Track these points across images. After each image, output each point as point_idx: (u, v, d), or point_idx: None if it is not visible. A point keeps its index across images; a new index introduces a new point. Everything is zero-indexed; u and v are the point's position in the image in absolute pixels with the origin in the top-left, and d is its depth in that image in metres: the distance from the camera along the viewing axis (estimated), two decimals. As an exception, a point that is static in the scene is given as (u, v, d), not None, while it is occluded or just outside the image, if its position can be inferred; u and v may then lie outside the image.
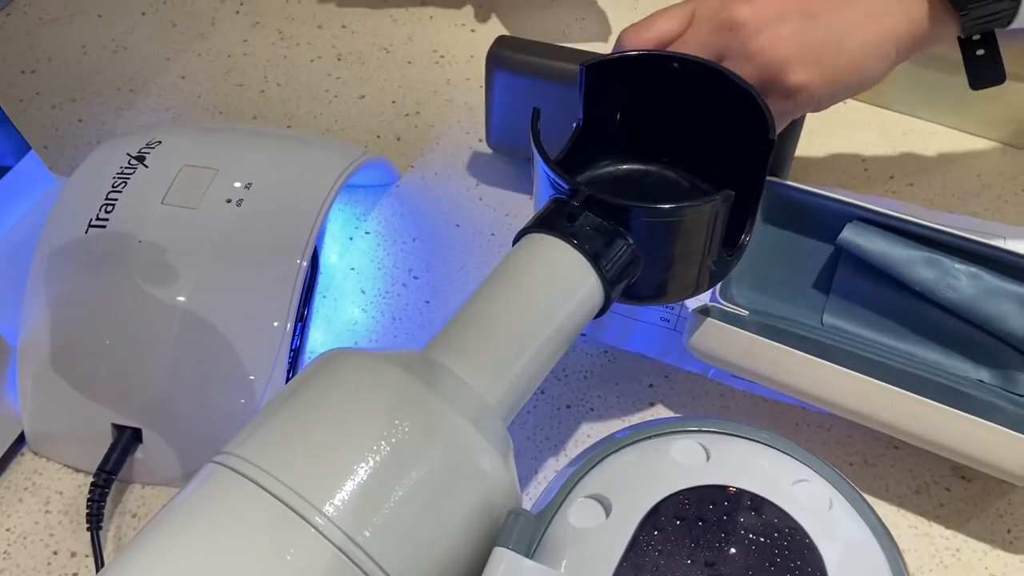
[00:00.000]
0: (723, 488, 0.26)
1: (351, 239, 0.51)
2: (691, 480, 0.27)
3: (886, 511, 0.40)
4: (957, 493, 0.40)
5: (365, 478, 0.25)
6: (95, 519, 0.38)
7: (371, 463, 0.25)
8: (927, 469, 0.41)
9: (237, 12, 0.65)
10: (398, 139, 0.57)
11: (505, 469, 0.28)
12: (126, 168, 0.43)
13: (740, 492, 0.26)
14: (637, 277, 0.36)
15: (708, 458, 0.28)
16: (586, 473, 0.29)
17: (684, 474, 0.27)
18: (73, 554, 0.40)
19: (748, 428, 0.30)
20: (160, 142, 0.45)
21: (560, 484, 0.29)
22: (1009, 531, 0.39)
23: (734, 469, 0.27)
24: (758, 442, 0.29)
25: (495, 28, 0.64)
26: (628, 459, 0.29)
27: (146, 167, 0.43)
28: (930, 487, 0.40)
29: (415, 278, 0.50)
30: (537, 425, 0.43)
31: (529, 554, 0.26)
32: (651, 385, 0.45)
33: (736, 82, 0.37)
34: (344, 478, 0.25)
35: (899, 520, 0.39)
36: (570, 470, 0.29)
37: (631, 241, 0.34)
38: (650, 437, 0.29)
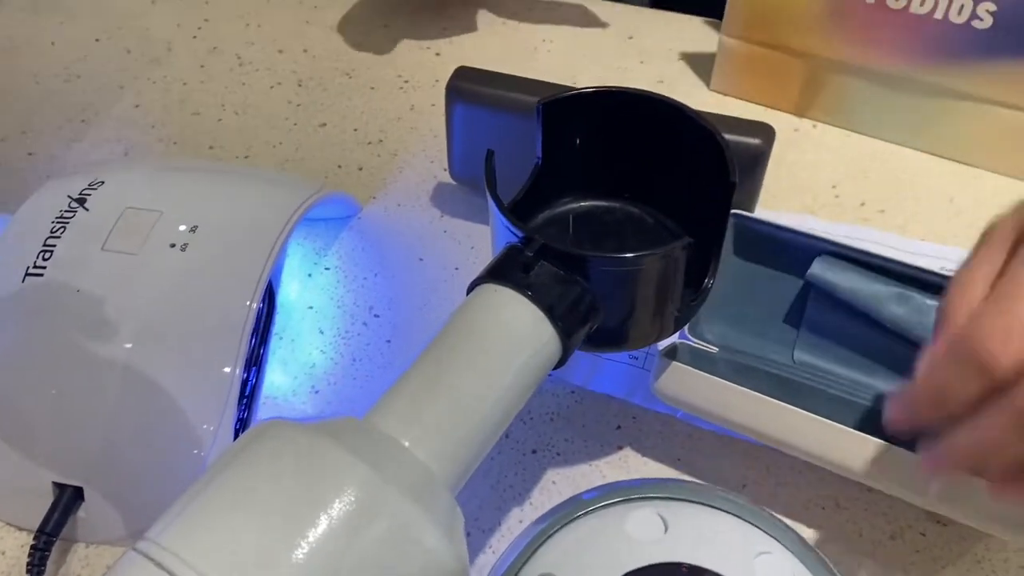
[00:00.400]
0: (679, 566, 0.25)
1: (310, 276, 0.50)
2: (646, 557, 0.25)
3: (860, 559, 0.38)
4: (932, 539, 0.39)
5: (295, 567, 0.23)
6: (34, 584, 0.37)
7: (302, 550, 0.24)
8: (902, 513, 0.40)
9: (194, 37, 0.64)
10: (360, 169, 0.55)
11: (451, 545, 0.26)
12: (66, 212, 0.41)
13: (698, 571, 0.25)
14: (597, 326, 0.34)
15: (666, 530, 0.26)
16: (539, 547, 0.27)
17: (639, 550, 0.25)
18: (14, 619, 0.38)
19: (711, 493, 0.28)
20: (103, 182, 0.43)
21: (511, 560, 0.27)
22: (987, 578, 0.38)
23: (692, 542, 0.26)
24: (719, 509, 0.27)
25: (460, 52, 0.63)
26: (581, 532, 0.27)
27: (87, 210, 0.41)
28: (905, 532, 0.39)
29: (376, 316, 0.48)
30: (502, 472, 0.42)
31: (476, 639, 0.24)
32: (619, 427, 0.43)
33: (696, 121, 0.36)
34: (276, 568, 0.23)
35: (875, 569, 0.38)
36: (522, 543, 0.28)
37: (589, 290, 0.33)
38: (605, 506, 0.28)
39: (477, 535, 0.39)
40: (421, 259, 0.50)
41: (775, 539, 0.27)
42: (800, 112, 0.57)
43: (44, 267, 0.40)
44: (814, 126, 0.56)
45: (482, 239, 0.51)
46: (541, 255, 0.32)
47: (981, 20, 0.48)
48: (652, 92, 0.37)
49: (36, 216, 0.42)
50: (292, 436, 0.26)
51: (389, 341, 0.47)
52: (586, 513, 0.28)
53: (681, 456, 0.42)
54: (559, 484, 0.41)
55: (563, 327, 0.32)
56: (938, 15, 0.48)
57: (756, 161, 0.45)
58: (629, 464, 0.42)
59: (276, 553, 0.24)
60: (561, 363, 0.33)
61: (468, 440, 0.29)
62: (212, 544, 0.24)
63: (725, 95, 0.59)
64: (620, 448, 0.42)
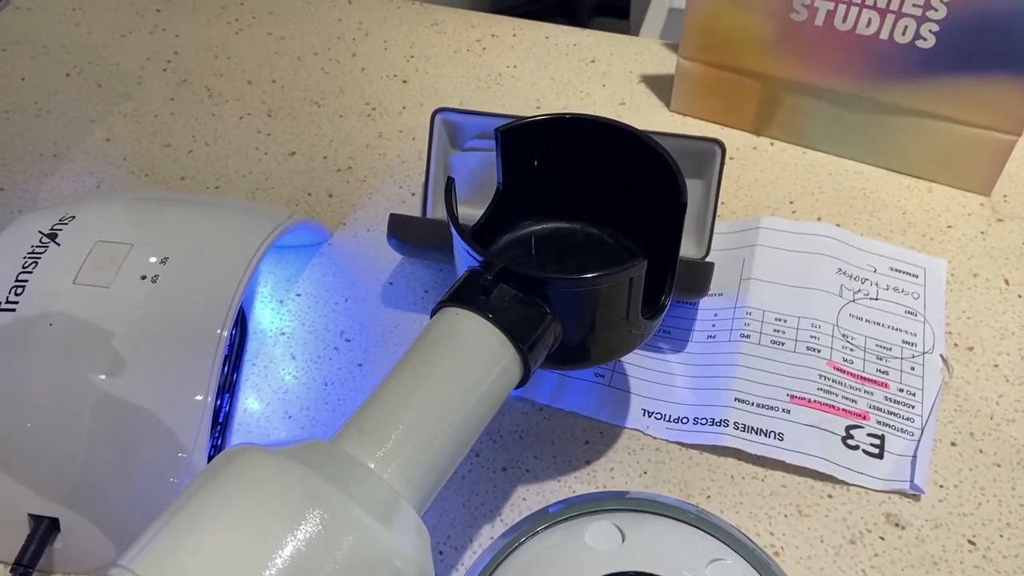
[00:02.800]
0: (633, 575, 0.26)
1: (281, 302, 0.51)
2: (604, 567, 0.26)
3: (822, 564, 0.39)
4: (891, 541, 0.40)
5: (265, 588, 0.24)
6: (11, 617, 0.37)
7: (273, 570, 0.24)
8: (861, 518, 0.41)
9: (164, 70, 0.65)
10: (330, 195, 0.56)
11: (418, 565, 0.27)
12: (37, 247, 0.42)
13: (652, 579, 0.26)
14: (558, 345, 0.35)
15: (623, 540, 0.27)
16: (501, 562, 0.28)
17: (598, 560, 0.26)
18: (-9, 652, 0.38)
19: (665, 503, 0.29)
20: (74, 217, 0.44)
21: (476, 574, 0.28)
22: (943, 578, 0.39)
23: (648, 552, 0.27)
24: (674, 519, 0.29)
25: (426, 79, 0.64)
26: (543, 545, 0.28)
27: (58, 245, 0.42)
28: (864, 536, 0.40)
29: (347, 340, 0.49)
30: (472, 490, 0.43)
31: (441, 653, 0.25)
32: (587, 442, 0.44)
33: (648, 144, 0.37)
34: (243, 590, 0.24)
35: (834, 572, 0.39)
36: (485, 559, 0.28)
37: (548, 311, 0.34)
38: (566, 519, 0.29)
39: (449, 552, 0.40)
40: (391, 283, 0.51)
41: (727, 546, 0.28)
42: (757, 130, 0.59)
43: (16, 302, 0.40)
44: (771, 144, 0.58)
45: (450, 263, 0.52)
46: (501, 278, 0.34)
47: (924, 40, 0.49)
48: (603, 117, 0.38)
49: (7, 251, 0.42)
50: (260, 460, 0.27)
51: (360, 365, 0.48)
52: (547, 527, 0.29)
53: (648, 469, 0.43)
54: (529, 500, 0.42)
55: (523, 348, 0.33)
56: (883, 36, 0.50)
57: (708, 166, 0.46)
58: (597, 478, 0.43)
59: (244, 574, 0.24)
60: (523, 383, 0.34)
61: (432, 461, 0.30)
62: (182, 568, 0.24)
63: (685, 115, 0.60)
64: (588, 463, 0.43)
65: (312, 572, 0.25)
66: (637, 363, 0.47)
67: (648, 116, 0.61)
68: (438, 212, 0.52)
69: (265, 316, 0.50)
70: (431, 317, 0.34)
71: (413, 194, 0.56)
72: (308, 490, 0.26)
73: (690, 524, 0.28)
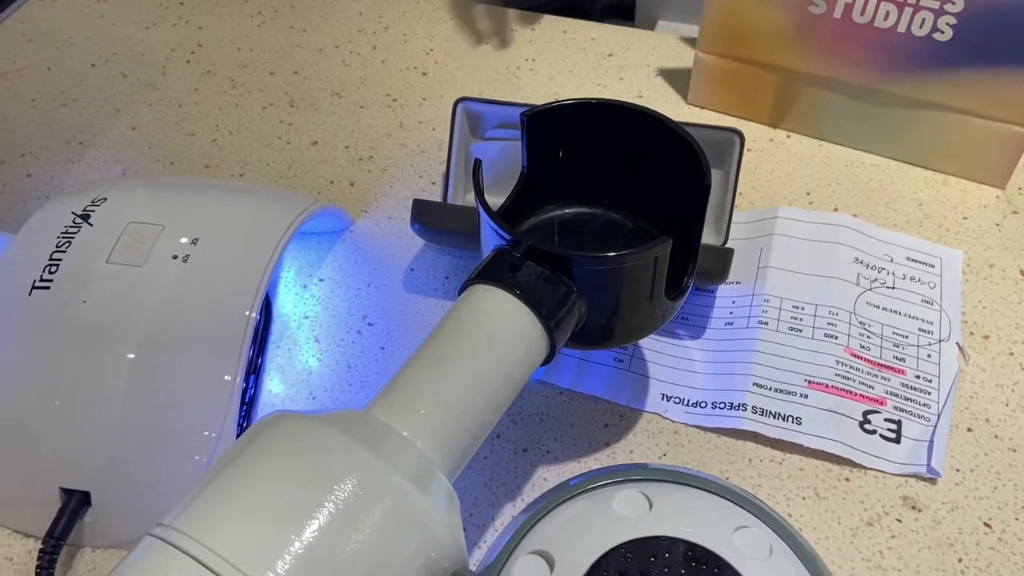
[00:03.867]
0: (664, 539, 0.26)
1: (305, 287, 0.51)
2: (633, 532, 0.27)
3: (839, 545, 0.40)
4: (908, 524, 0.41)
5: (305, 547, 0.25)
6: (43, 587, 0.38)
7: (310, 531, 0.25)
8: (878, 500, 0.41)
9: (188, 61, 0.66)
10: (352, 184, 0.57)
11: (450, 529, 0.28)
12: (70, 227, 0.43)
13: (680, 543, 0.26)
14: (582, 324, 0.36)
15: (651, 508, 0.28)
16: (531, 528, 0.29)
17: (626, 526, 0.27)
18: (23, 623, 0.39)
19: (690, 474, 0.30)
20: (106, 199, 0.44)
21: (505, 540, 0.29)
22: (960, 560, 0.39)
23: (675, 518, 0.27)
24: (699, 488, 0.29)
25: (445, 71, 0.65)
26: (573, 512, 0.29)
27: (91, 225, 0.43)
28: (881, 519, 0.41)
29: (370, 325, 0.50)
30: (494, 471, 0.43)
31: (474, 614, 0.26)
32: (606, 425, 0.45)
33: (672, 128, 0.38)
34: (283, 548, 0.25)
35: (852, 553, 0.40)
36: (516, 525, 0.29)
37: (574, 289, 0.35)
38: (594, 488, 0.29)
39: (471, 530, 0.41)
40: (412, 269, 0.52)
41: (753, 515, 0.29)
42: (774, 123, 0.59)
43: (50, 280, 0.41)
44: (788, 136, 0.59)
45: (471, 250, 0.53)
46: (528, 256, 0.34)
47: (942, 32, 0.50)
48: (629, 103, 0.39)
49: (41, 231, 0.43)
50: (298, 426, 0.28)
51: (383, 348, 0.48)
52: (575, 495, 0.29)
53: (667, 452, 0.44)
54: (549, 480, 0.43)
55: (550, 324, 0.34)
56: (901, 28, 0.51)
57: (727, 155, 0.47)
58: (616, 460, 0.44)
59: (285, 533, 0.25)
60: (549, 359, 0.35)
61: (463, 431, 0.31)
62: (224, 526, 0.25)
63: (702, 108, 0.61)
64: (607, 445, 0.44)
65: (349, 532, 0.26)
66: (656, 348, 0.47)
67: (665, 109, 0.61)
68: (459, 200, 0.53)
69: (289, 300, 0.51)
70: (459, 294, 0.35)
71: (433, 183, 0.57)
72: (346, 454, 0.27)
73: (715, 494, 0.29)
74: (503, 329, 0.33)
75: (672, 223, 0.39)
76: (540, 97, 0.62)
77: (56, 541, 0.39)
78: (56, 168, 0.58)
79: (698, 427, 0.44)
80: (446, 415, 0.31)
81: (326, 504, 0.26)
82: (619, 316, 0.37)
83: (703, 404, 0.45)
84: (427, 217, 0.48)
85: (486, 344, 0.33)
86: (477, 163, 0.38)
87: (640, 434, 0.44)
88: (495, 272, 0.34)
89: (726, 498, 0.29)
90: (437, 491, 0.28)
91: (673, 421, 0.45)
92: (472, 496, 0.42)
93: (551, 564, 0.27)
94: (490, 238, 0.37)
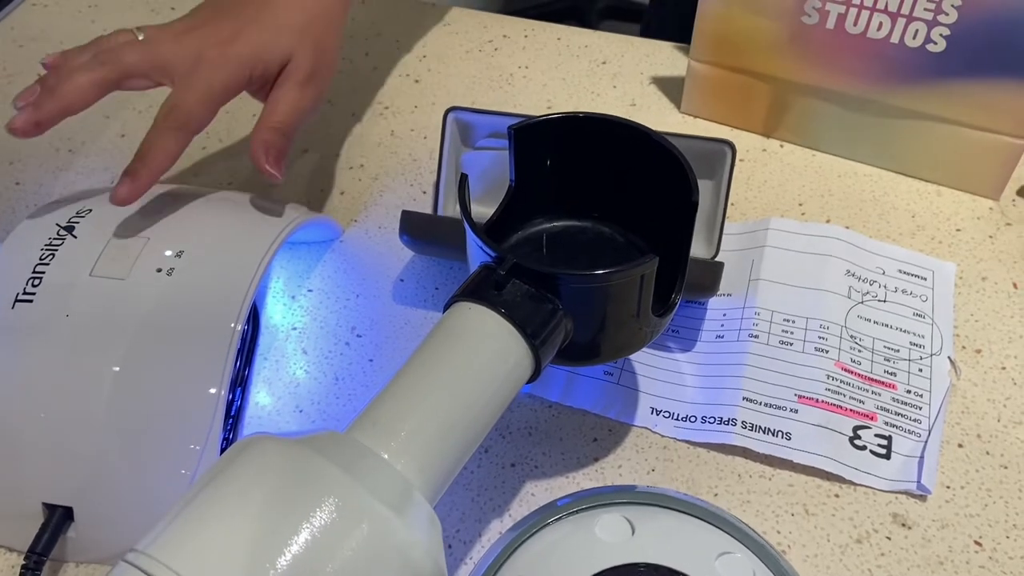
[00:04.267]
0: (644, 566, 0.26)
1: (293, 298, 0.51)
2: (614, 558, 0.26)
3: (828, 562, 0.40)
4: (898, 541, 0.40)
5: (281, 573, 0.25)
6: (25, 604, 0.37)
7: (285, 558, 0.25)
8: (867, 517, 0.41)
9: (179, 67, 0.65)
10: (342, 193, 0.57)
11: (430, 555, 0.28)
12: (54, 239, 0.42)
13: (661, 570, 0.26)
14: (569, 341, 0.36)
15: (633, 532, 0.28)
16: (512, 552, 0.28)
17: (607, 552, 0.27)
18: (5, 639, 0.39)
19: (675, 497, 0.30)
20: (91, 210, 0.44)
21: (487, 565, 0.28)
22: (949, 578, 0.39)
23: (657, 544, 0.27)
24: (683, 512, 0.29)
25: (438, 79, 0.64)
26: (555, 536, 0.28)
27: (75, 237, 0.42)
28: (871, 536, 0.41)
29: (358, 336, 0.49)
30: (482, 485, 0.43)
31: (453, 641, 0.26)
32: (595, 440, 0.44)
33: (660, 143, 0.37)
34: (259, 575, 0.24)
35: (841, 571, 0.39)
36: (498, 548, 0.29)
37: (560, 307, 0.34)
38: (578, 511, 0.29)
39: (458, 546, 0.41)
40: (402, 280, 0.52)
41: (737, 540, 0.28)
42: (767, 132, 0.59)
43: (33, 293, 0.41)
44: (781, 146, 0.58)
45: (461, 261, 0.53)
46: (513, 274, 0.34)
47: (935, 44, 0.50)
48: (617, 117, 0.39)
49: (25, 244, 0.43)
50: (275, 449, 0.28)
51: (371, 360, 0.48)
52: (558, 519, 0.29)
53: (656, 467, 0.43)
54: (538, 496, 0.43)
55: (535, 343, 0.33)
56: (894, 39, 0.51)
57: (719, 167, 0.47)
58: (605, 475, 0.43)
59: (260, 560, 0.25)
60: (534, 377, 0.35)
61: (445, 453, 0.31)
62: (198, 553, 0.25)
63: (695, 117, 0.61)
64: (596, 460, 0.44)
65: (326, 559, 0.25)
66: (646, 362, 0.47)
67: (658, 117, 0.61)
68: (449, 210, 0.53)
69: (277, 311, 0.50)
70: (444, 312, 0.35)
71: (424, 192, 0.57)
72: (322, 479, 0.27)
73: (699, 518, 0.29)
74: (487, 348, 0.33)
75: (662, 237, 0.39)
76: (533, 104, 0.62)
77: (38, 556, 0.38)
78: (45, 176, 0.58)
79: (688, 442, 0.44)
80: (428, 436, 0.30)
81: (302, 530, 0.25)
82: (605, 333, 0.36)
83: (693, 418, 0.44)
84: (416, 229, 0.48)
85: (470, 363, 0.32)
86: (463, 178, 0.38)
87: (629, 449, 0.44)
88: (480, 290, 0.34)
89: (710, 522, 0.29)
90: (417, 515, 0.28)
91: (663, 436, 0.44)
92: (459, 511, 0.42)
93: (532, 590, 0.27)
94: (476, 254, 0.36)
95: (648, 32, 0.78)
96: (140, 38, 0.46)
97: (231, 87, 0.45)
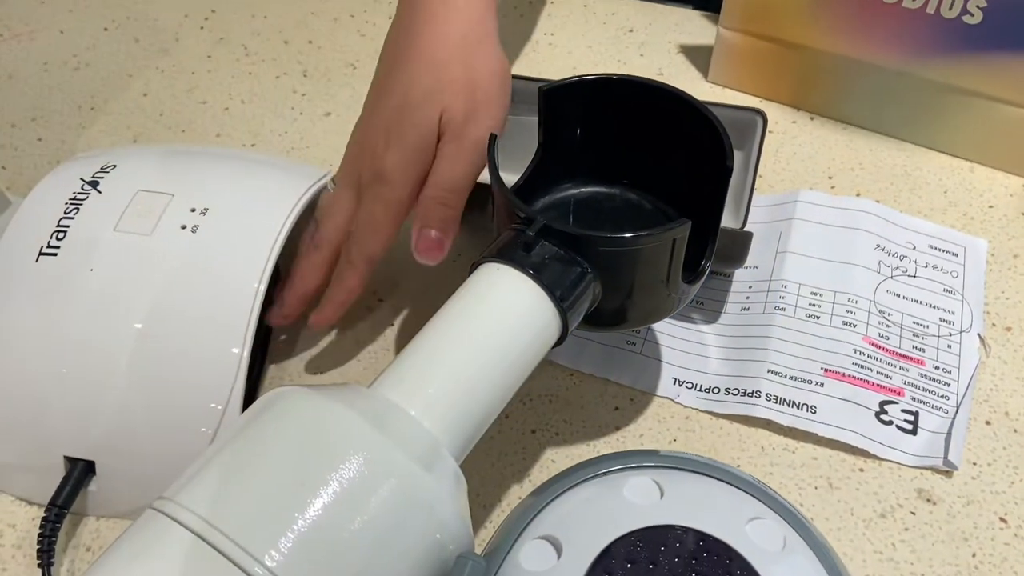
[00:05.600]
0: (675, 528, 0.26)
1: (315, 260, 0.51)
2: (643, 520, 0.26)
3: (851, 536, 0.39)
4: (922, 516, 0.40)
5: (307, 525, 0.24)
6: (46, 555, 0.38)
7: (313, 509, 0.25)
8: (892, 492, 0.41)
9: (201, 28, 0.65)
10: (364, 157, 0.56)
11: (455, 510, 0.27)
12: (79, 194, 0.42)
13: (692, 532, 0.26)
14: (596, 306, 0.35)
15: (662, 495, 0.27)
16: (539, 512, 0.28)
17: (636, 514, 0.26)
18: (26, 590, 0.39)
19: (704, 462, 0.29)
20: (115, 166, 0.44)
21: (512, 523, 0.28)
22: (974, 555, 0.39)
23: (687, 507, 0.27)
24: (713, 478, 0.29)
25: (463, 43, 0.63)
26: (582, 497, 0.28)
27: (99, 192, 0.42)
28: (895, 511, 0.40)
29: (380, 300, 0.49)
30: (502, 451, 0.43)
31: (478, 599, 0.25)
32: (617, 408, 0.44)
33: (694, 106, 0.37)
34: (285, 526, 0.24)
35: (864, 545, 0.39)
36: (523, 508, 0.29)
37: (589, 270, 0.34)
38: (604, 473, 0.29)
39: (477, 510, 0.40)
40: (424, 245, 0.51)
41: (766, 506, 0.28)
42: (797, 104, 0.58)
43: (58, 247, 0.41)
44: (811, 118, 0.57)
45: (484, 227, 0.52)
46: (543, 235, 0.33)
47: (972, 15, 0.49)
48: (650, 79, 0.38)
49: (49, 197, 0.43)
50: (304, 402, 0.27)
51: (392, 324, 0.48)
52: (585, 480, 0.29)
53: (677, 437, 0.43)
54: (558, 462, 0.42)
55: (563, 306, 0.33)
56: (930, 9, 0.49)
57: (749, 136, 0.46)
58: (626, 444, 0.43)
59: (287, 511, 0.25)
60: (561, 340, 0.34)
61: (471, 412, 0.30)
62: (227, 501, 0.25)
63: (723, 87, 0.60)
64: (617, 429, 0.43)
65: (354, 512, 0.25)
66: (669, 332, 0.46)
67: (685, 86, 0.59)
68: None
69: (298, 273, 0.50)
70: (470, 273, 0.34)
71: (447, 158, 0.56)
72: (351, 432, 0.27)
73: (728, 483, 0.28)
74: (515, 309, 0.32)
75: (691, 205, 0.38)
76: (558, 72, 0.61)
77: (59, 509, 0.39)
78: (67, 133, 0.57)
79: (710, 413, 0.43)
80: (455, 395, 0.30)
81: (330, 483, 0.25)
82: (634, 299, 0.36)
83: (716, 390, 0.44)
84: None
85: (497, 324, 0.32)
86: (492, 138, 0.37)
87: (651, 419, 0.44)
88: (508, 251, 0.33)
89: (740, 488, 0.28)
90: (444, 472, 0.28)
91: (685, 406, 0.44)
92: (478, 476, 0.42)
93: (559, 550, 0.27)
94: (504, 216, 0.36)
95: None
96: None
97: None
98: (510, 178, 0.41)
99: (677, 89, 0.37)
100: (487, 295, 0.32)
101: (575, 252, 0.33)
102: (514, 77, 0.50)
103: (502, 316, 0.32)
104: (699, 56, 0.62)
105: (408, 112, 0.41)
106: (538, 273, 0.33)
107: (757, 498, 0.28)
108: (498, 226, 0.37)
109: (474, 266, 0.34)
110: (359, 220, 0.42)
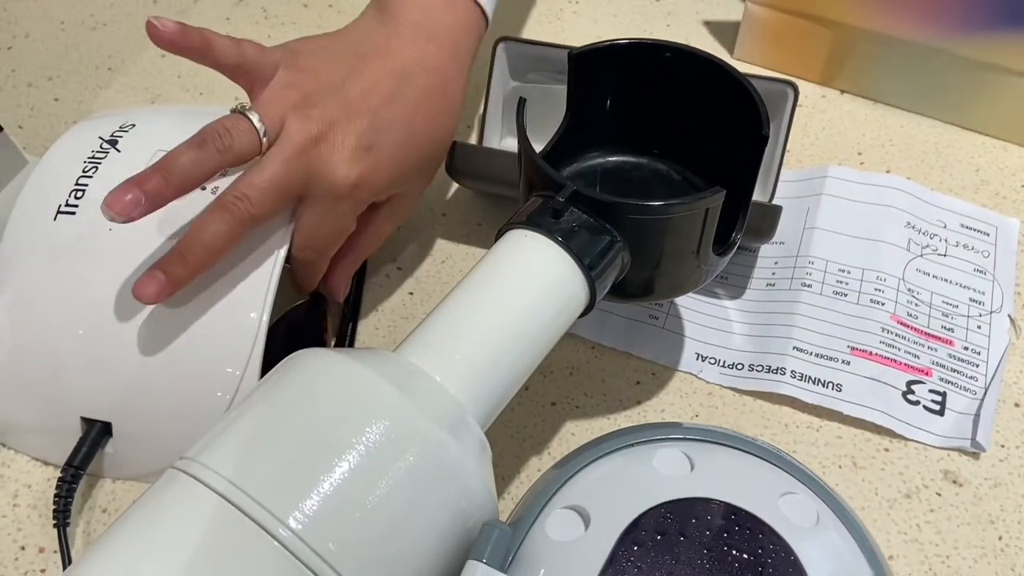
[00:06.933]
0: (706, 501, 0.25)
1: (333, 227, 0.50)
2: (673, 492, 0.26)
3: (876, 515, 0.39)
4: (948, 498, 0.39)
5: (332, 488, 0.24)
6: (61, 515, 0.37)
7: (338, 472, 0.24)
8: (917, 473, 0.40)
9: (220, -11, 0.64)
10: (384, 124, 0.55)
11: (481, 477, 0.27)
12: (98, 152, 0.41)
13: (723, 506, 0.25)
14: (623, 276, 0.34)
15: (692, 468, 0.27)
16: (566, 482, 0.28)
17: (666, 485, 0.26)
18: (41, 550, 0.39)
19: (734, 436, 0.29)
20: (134, 125, 0.43)
21: (539, 493, 0.28)
22: (1000, 538, 0.38)
23: (718, 480, 0.26)
24: (744, 451, 0.28)
25: (486, 10, 0.62)
26: (610, 468, 0.28)
27: (118, 151, 0.41)
28: (920, 491, 0.40)
29: (399, 269, 0.48)
30: (521, 423, 0.42)
31: (504, 567, 0.25)
32: (638, 383, 0.44)
33: (730, 73, 0.36)
34: (309, 488, 0.24)
35: (888, 525, 0.39)
36: (549, 478, 0.28)
37: (618, 239, 0.33)
38: (633, 445, 0.28)
39: (496, 481, 0.40)
40: (444, 214, 0.51)
41: (799, 481, 0.27)
42: (825, 81, 0.57)
43: (76, 205, 0.40)
44: (841, 93, 0.56)
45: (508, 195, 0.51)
46: (572, 202, 0.33)
47: (1011, -11, 0.47)
48: (686, 45, 0.37)
49: (68, 156, 0.42)
50: (329, 363, 0.27)
51: (412, 293, 0.47)
52: (613, 451, 0.28)
53: (699, 412, 0.42)
54: (578, 435, 0.42)
55: (592, 274, 0.32)
56: (969, -17, 0.48)
57: (779, 109, 0.45)
58: (648, 418, 0.42)
59: (312, 473, 0.24)
60: (588, 310, 0.33)
61: (497, 379, 0.30)
62: (251, 462, 0.24)
63: (749, 63, 0.59)
64: (639, 403, 0.43)
65: (380, 476, 0.25)
66: (692, 307, 0.46)
67: (712, 60, 0.59)
68: (494, 143, 0.51)
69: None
70: (496, 239, 0.34)
71: (468, 126, 0.55)
72: (377, 397, 0.26)
73: (760, 457, 0.28)
74: (543, 277, 0.32)
75: (721, 175, 0.37)
76: (582, 40, 0.60)
77: (75, 470, 0.38)
78: (84, 93, 0.57)
79: (733, 389, 0.43)
80: (481, 362, 0.29)
81: (356, 447, 0.25)
82: (662, 269, 0.35)
83: (740, 366, 0.43)
84: (464, 160, 0.46)
85: (525, 291, 0.31)
86: (521, 102, 0.36)
87: (673, 393, 0.43)
88: (536, 217, 0.33)
89: (771, 462, 0.28)
90: (469, 439, 0.27)
91: (707, 382, 0.43)
92: (498, 447, 0.41)
93: (586, 520, 0.26)
94: (532, 181, 0.35)
95: None
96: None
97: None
98: (537, 147, 0.40)
99: (713, 56, 0.36)
100: (515, 262, 0.32)
101: (605, 220, 0.33)
102: (539, 44, 0.49)
103: (530, 284, 0.31)
104: (725, 32, 0.60)
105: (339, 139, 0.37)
106: (567, 241, 0.32)
107: (789, 473, 0.27)
108: (525, 192, 0.36)
109: (500, 232, 0.33)
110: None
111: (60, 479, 0.38)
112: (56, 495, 0.38)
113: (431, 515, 0.26)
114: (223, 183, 0.41)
